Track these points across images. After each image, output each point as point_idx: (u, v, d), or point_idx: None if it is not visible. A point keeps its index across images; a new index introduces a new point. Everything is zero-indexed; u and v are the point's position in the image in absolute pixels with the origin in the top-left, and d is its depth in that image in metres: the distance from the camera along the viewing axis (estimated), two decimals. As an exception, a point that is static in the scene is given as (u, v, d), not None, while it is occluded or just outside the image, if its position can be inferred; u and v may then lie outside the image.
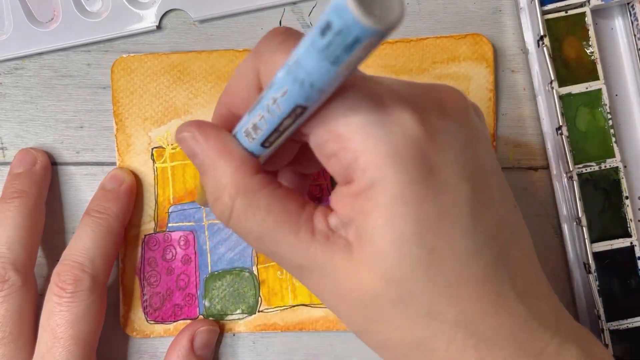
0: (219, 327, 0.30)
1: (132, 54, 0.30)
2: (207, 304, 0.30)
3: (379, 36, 0.14)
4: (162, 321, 0.30)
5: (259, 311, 0.30)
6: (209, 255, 0.30)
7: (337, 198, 0.19)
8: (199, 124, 0.20)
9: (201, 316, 0.30)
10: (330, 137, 0.18)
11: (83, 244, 0.27)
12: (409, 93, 0.19)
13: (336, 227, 0.19)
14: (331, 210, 0.19)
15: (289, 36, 0.19)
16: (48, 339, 0.26)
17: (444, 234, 0.18)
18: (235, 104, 0.21)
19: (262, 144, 0.19)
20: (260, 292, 0.30)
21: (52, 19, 0.31)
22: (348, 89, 0.17)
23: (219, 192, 0.19)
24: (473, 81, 0.30)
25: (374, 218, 0.18)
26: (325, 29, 0.14)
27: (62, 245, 0.30)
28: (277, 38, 0.19)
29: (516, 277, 0.19)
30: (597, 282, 0.28)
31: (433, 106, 0.19)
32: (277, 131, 0.18)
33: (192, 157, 0.21)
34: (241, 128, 0.19)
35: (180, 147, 0.21)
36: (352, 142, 0.17)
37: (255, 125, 0.18)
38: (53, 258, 0.30)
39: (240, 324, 0.30)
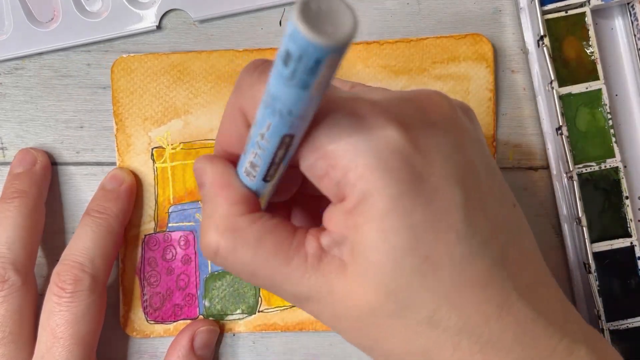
0: (219, 327, 0.30)
1: (132, 54, 0.30)
2: (207, 304, 0.30)
3: (339, 52, 0.14)
4: (162, 321, 0.30)
5: (259, 311, 0.30)
6: None
7: (329, 216, 0.19)
8: (212, 158, 0.21)
9: (201, 316, 0.30)
10: (319, 157, 0.18)
11: (83, 244, 0.27)
12: (392, 105, 0.19)
13: (329, 246, 0.19)
14: (323, 230, 0.19)
15: (266, 68, 0.19)
16: (47, 339, 0.26)
17: (439, 241, 0.18)
18: (231, 144, 0.21)
19: (264, 179, 0.19)
20: (260, 292, 0.30)
21: (52, 19, 0.31)
22: (330, 110, 0.18)
23: (208, 226, 0.20)
24: (473, 81, 0.30)
25: (366, 232, 0.18)
26: (286, 57, 0.14)
27: (62, 245, 0.30)
28: (255, 72, 0.19)
29: (518, 278, 0.19)
30: (597, 282, 0.28)
31: (416, 115, 0.19)
32: (274, 164, 0.18)
33: (200, 187, 0.21)
34: (241, 168, 0.20)
35: (195, 176, 0.21)
36: (340, 159, 0.17)
37: (252, 163, 0.19)
38: (53, 258, 0.30)
39: (240, 324, 0.30)
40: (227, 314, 0.30)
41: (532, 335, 0.19)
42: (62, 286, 0.26)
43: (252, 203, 0.20)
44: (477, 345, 0.19)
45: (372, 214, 0.18)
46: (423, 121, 0.19)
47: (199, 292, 0.30)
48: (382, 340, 0.19)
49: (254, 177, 0.19)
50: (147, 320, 0.30)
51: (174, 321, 0.30)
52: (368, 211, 0.18)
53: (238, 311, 0.30)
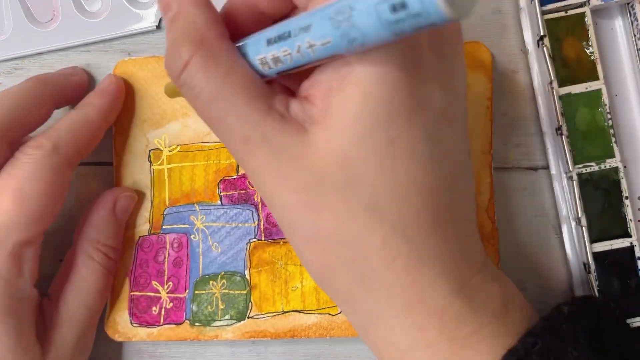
0: (137, 196, 0.30)
1: (133, 57, 0.30)
2: (194, 308, 0.29)
3: (454, 22, 0.14)
4: (147, 324, 0.29)
5: (248, 317, 0.29)
6: (200, 258, 0.30)
7: (319, 72, 0.19)
8: None
9: (187, 321, 0.29)
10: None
11: (56, 124, 0.27)
12: None
13: (295, 113, 0.19)
14: (298, 96, 0.19)
15: None
16: None
17: (409, 130, 0.18)
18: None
19: (278, 73, 0.19)
20: (251, 297, 0.29)
21: (52, 19, 0.31)
22: None
23: (183, 39, 0.19)
24: (471, 89, 0.29)
25: (348, 93, 0.18)
26: (399, 6, 0.14)
27: (61, 246, 0.30)
28: None
29: (456, 206, 0.20)
30: (597, 282, 0.28)
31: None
32: (301, 67, 0.18)
33: (167, 10, 0.20)
34: (255, 53, 0.19)
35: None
36: None
37: (277, 58, 0.18)
38: (51, 259, 0.30)
39: (228, 330, 0.29)
40: (215, 320, 0.29)
41: (455, 259, 0.20)
42: (23, 150, 0.25)
43: (226, 34, 0.19)
44: (405, 249, 0.19)
45: (363, 75, 0.17)
46: (443, 35, 0.19)
47: (187, 296, 0.29)
48: (316, 214, 0.19)
49: (270, 68, 0.18)
50: (131, 323, 0.29)
51: (159, 325, 0.29)
52: (361, 71, 0.17)
53: (227, 317, 0.29)
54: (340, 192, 0.18)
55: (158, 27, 0.31)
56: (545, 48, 0.29)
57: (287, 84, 0.21)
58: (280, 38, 0.18)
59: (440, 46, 0.19)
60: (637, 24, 0.30)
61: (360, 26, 0.15)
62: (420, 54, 0.18)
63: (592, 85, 0.29)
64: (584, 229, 0.28)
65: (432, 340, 0.20)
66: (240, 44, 0.20)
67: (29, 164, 0.25)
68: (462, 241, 0.20)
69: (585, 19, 0.29)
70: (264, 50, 0.18)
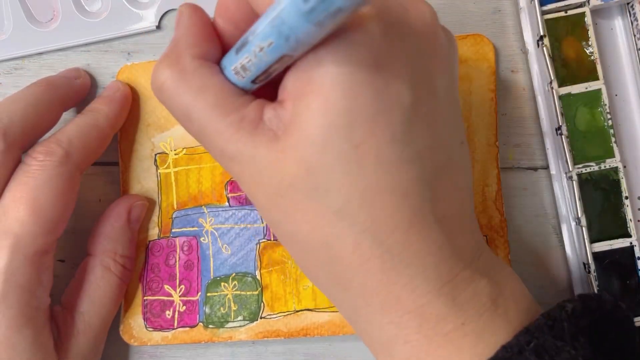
0: (148, 203, 0.30)
1: (133, 58, 0.30)
2: (207, 310, 0.29)
3: (364, 4, 0.14)
4: (161, 328, 0.29)
5: (261, 317, 0.29)
6: (211, 260, 0.30)
7: (285, 80, 0.19)
8: (195, 7, 0.21)
9: (200, 324, 0.29)
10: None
11: (65, 128, 0.26)
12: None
13: (269, 119, 0.19)
14: (272, 103, 0.20)
15: None
16: (6, 202, 0.24)
17: (374, 135, 0.18)
18: (228, 19, 0.21)
19: (252, 82, 0.20)
20: (263, 298, 0.29)
21: (52, 19, 0.31)
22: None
23: (162, 60, 0.20)
24: (475, 81, 0.30)
25: (309, 101, 0.18)
26: None
27: (62, 246, 0.30)
28: None
29: (439, 204, 0.19)
30: (597, 283, 0.28)
31: (398, 10, 0.19)
32: (266, 72, 0.19)
33: (175, 25, 0.22)
34: (229, 64, 0.20)
35: (177, 14, 0.22)
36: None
37: (244, 66, 0.19)
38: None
39: (241, 331, 0.29)
40: (228, 321, 0.29)
41: (435, 258, 0.19)
42: (34, 156, 0.25)
43: (211, 53, 0.21)
44: (378, 251, 0.19)
45: (321, 81, 0.18)
46: (401, 19, 0.19)
47: (200, 298, 0.29)
48: (291, 218, 0.19)
49: (243, 77, 0.20)
50: (145, 327, 0.29)
51: (173, 329, 0.29)
52: (319, 78, 0.18)
53: (239, 318, 0.29)
54: (309, 198, 0.19)
55: (158, 27, 0.31)
56: (545, 48, 0.29)
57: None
58: (242, 45, 0.19)
59: (400, 40, 0.19)
60: (637, 24, 0.30)
61: (287, 21, 0.15)
62: (378, 53, 0.18)
63: (592, 85, 0.29)
64: (584, 229, 0.28)
65: (410, 337, 0.20)
66: (223, 58, 0.21)
67: (42, 172, 0.25)
68: (446, 238, 0.20)
69: (585, 19, 0.29)
70: (234, 60, 0.19)
